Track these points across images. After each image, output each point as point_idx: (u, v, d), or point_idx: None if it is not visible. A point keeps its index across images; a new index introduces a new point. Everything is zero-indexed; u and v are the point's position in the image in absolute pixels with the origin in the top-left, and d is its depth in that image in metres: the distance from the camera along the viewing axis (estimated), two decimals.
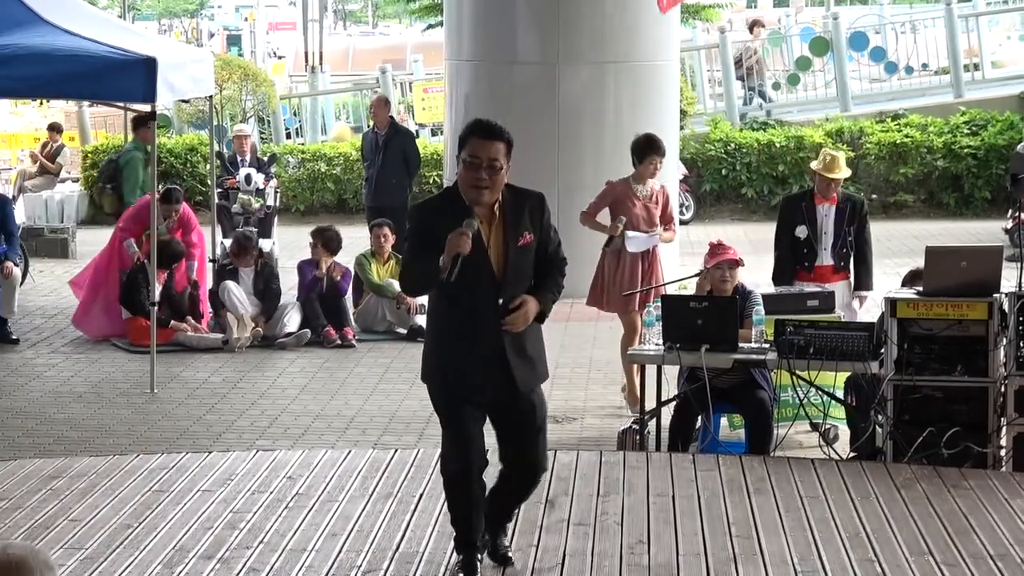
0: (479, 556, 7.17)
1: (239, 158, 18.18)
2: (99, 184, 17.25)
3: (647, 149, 11.54)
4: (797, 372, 9.42)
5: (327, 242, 14.36)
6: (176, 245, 14.18)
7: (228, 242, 15.66)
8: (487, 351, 6.90)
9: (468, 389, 6.95)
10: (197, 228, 14.91)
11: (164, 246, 13.70)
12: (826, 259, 11.08)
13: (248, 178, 17.86)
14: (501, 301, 6.88)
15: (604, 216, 11.66)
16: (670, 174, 12.38)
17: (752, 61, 24.82)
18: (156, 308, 12.66)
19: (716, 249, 10.19)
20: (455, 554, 7.23)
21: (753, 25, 26.42)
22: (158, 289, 13.13)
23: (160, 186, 14.97)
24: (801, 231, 11.08)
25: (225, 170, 18.13)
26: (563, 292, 7.22)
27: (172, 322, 13.72)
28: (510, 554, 7.33)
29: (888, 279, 14.83)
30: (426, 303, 13.97)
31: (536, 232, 6.98)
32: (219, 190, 17.42)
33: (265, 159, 19.05)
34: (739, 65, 24.73)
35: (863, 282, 11.14)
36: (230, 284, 13.94)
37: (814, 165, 11.35)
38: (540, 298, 6.98)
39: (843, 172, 11.18)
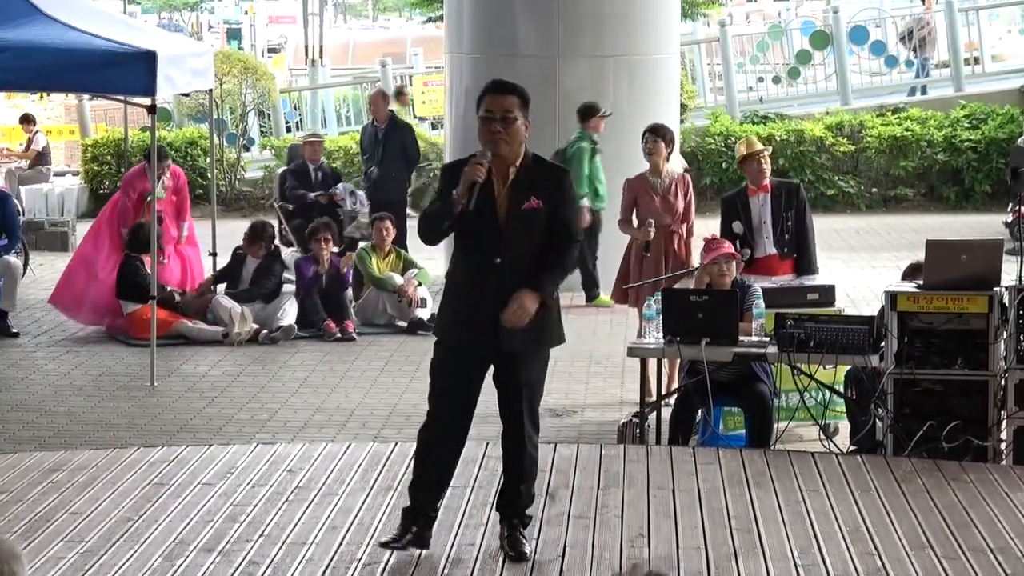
0: (426, 531, 7.33)
1: (311, 167, 16.65)
2: None
3: (643, 132, 11.58)
4: (798, 365, 9.41)
5: (332, 235, 14.34)
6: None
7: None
8: (484, 306, 7.02)
9: (464, 336, 7.10)
10: (187, 202, 14.99)
11: (140, 228, 13.72)
12: (769, 248, 10.93)
13: (353, 195, 16.06)
14: (499, 260, 7.00)
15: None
16: (673, 168, 12.36)
17: (924, 33, 24.61)
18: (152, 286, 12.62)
19: (711, 244, 10.19)
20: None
21: None
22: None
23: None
24: (737, 227, 10.95)
25: (302, 184, 16.47)
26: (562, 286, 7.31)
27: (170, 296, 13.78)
28: (525, 549, 7.31)
29: (888, 273, 14.84)
30: (427, 297, 14.17)
31: (546, 202, 7.06)
32: (288, 205, 16.17)
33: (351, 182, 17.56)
34: (910, 38, 24.60)
35: (804, 268, 10.95)
36: (220, 298, 13.88)
37: (740, 154, 11.33)
38: (537, 284, 7.03)
39: (760, 145, 11.17)
